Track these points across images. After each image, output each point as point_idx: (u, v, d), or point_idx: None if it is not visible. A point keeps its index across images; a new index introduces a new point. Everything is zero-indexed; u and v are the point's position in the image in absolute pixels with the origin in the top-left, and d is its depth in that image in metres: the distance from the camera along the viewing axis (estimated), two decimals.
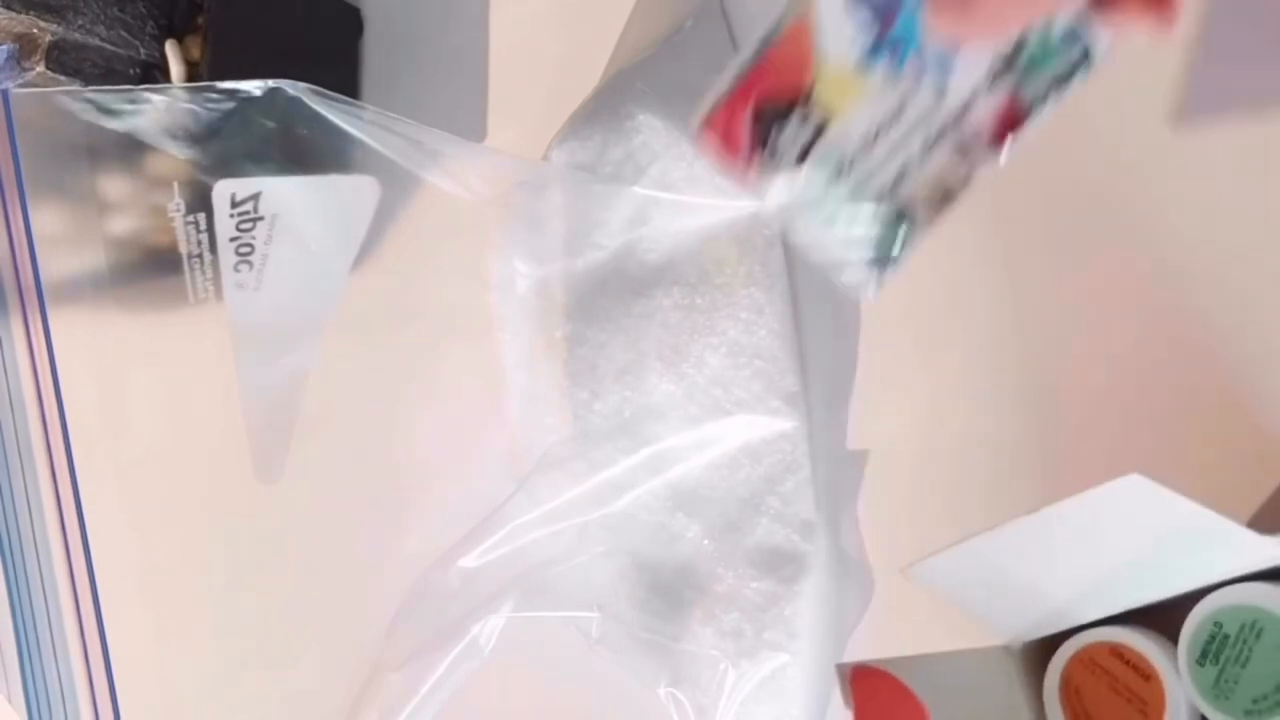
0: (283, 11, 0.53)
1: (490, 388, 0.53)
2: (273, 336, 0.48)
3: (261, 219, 0.45)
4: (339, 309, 0.49)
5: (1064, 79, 0.32)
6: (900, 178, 0.33)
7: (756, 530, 0.49)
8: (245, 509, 0.50)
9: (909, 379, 0.49)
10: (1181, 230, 0.44)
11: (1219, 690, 0.37)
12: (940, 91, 0.32)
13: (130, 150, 0.44)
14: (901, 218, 0.33)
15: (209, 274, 0.46)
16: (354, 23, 0.58)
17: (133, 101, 0.43)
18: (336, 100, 0.44)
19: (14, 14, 0.47)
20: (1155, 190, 0.44)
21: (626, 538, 0.51)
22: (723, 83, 0.33)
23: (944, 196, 0.33)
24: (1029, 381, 0.47)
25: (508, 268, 0.53)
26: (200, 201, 0.45)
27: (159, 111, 0.44)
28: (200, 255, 0.45)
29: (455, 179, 0.50)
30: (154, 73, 0.49)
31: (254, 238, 0.45)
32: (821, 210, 0.33)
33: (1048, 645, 0.41)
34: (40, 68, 0.48)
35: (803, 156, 0.33)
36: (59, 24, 0.47)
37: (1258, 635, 0.36)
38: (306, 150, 0.45)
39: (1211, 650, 0.37)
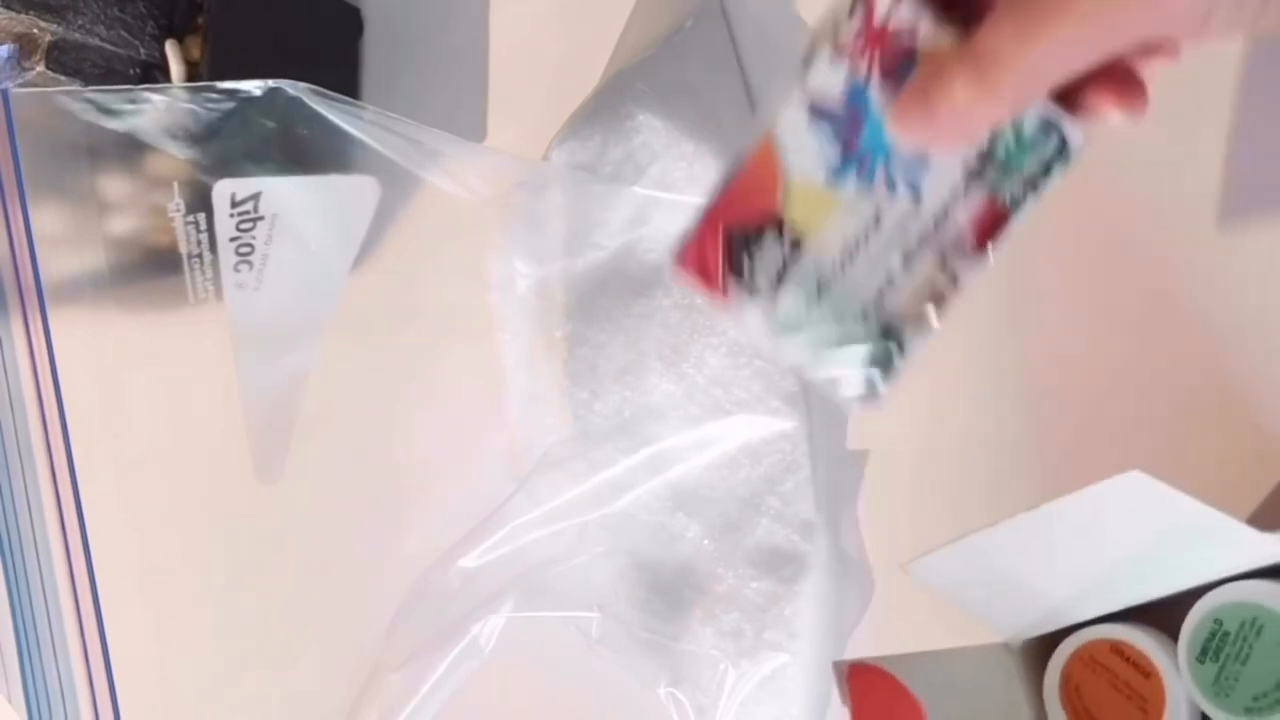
0: (283, 11, 0.53)
1: (490, 388, 0.53)
2: (273, 336, 0.48)
3: (261, 219, 0.45)
4: (339, 309, 0.49)
5: (1043, 173, 0.32)
6: (884, 291, 0.32)
7: (756, 530, 0.49)
8: (245, 509, 0.50)
9: (909, 379, 0.49)
10: (1181, 230, 0.44)
11: (1219, 687, 0.37)
12: (915, 201, 0.32)
13: (130, 150, 0.44)
14: (890, 331, 0.32)
15: (209, 274, 0.46)
16: (354, 23, 0.58)
17: (133, 101, 0.43)
18: (336, 100, 0.44)
19: (14, 14, 0.47)
20: (1155, 190, 0.44)
21: (626, 538, 0.51)
22: (694, 215, 0.33)
23: (935, 301, 0.32)
24: (1029, 381, 0.47)
25: (508, 268, 0.53)
26: (200, 201, 0.45)
27: (159, 111, 0.44)
28: (200, 255, 0.45)
29: (455, 179, 0.50)
30: (154, 73, 0.49)
31: (254, 238, 0.45)
32: (805, 333, 0.32)
33: (1048, 643, 0.41)
34: (40, 68, 0.48)
35: (780, 279, 0.32)
36: (59, 24, 0.47)
37: (1258, 632, 0.36)
38: (306, 150, 0.45)
39: (1212, 647, 0.37)
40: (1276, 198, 0.43)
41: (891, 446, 0.49)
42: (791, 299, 0.32)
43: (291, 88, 0.43)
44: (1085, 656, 0.40)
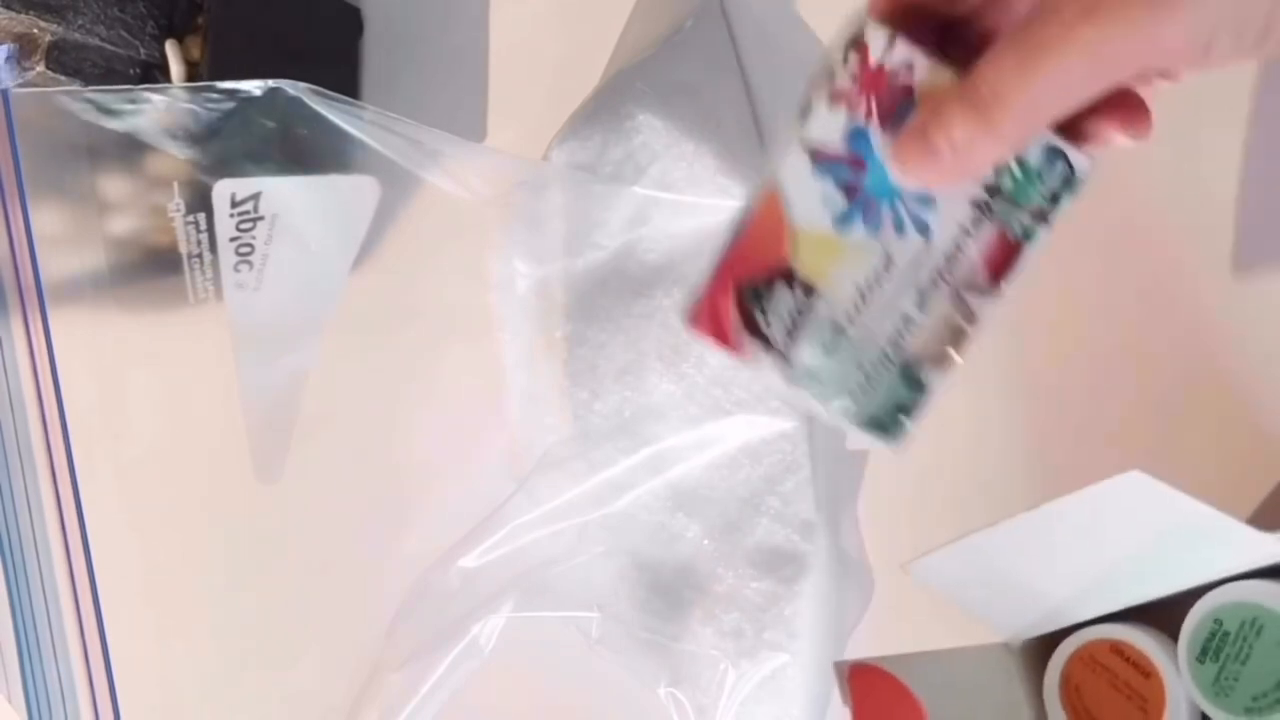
0: (283, 11, 0.53)
1: (490, 388, 0.53)
2: (273, 336, 0.48)
3: (261, 219, 0.45)
4: (339, 309, 0.49)
5: (1051, 203, 0.31)
6: (901, 333, 0.32)
7: (756, 530, 0.49)
8: (245, 509, 0.50)
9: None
10: (1181, 231, 0.44)
11: (1219, 687, 0.37)
12: (925, 240, 0.32)
13: (130, 150, 0.44)
14: (911, 372, 0.32)
15: (209, 274, 0.46)
16: (354, 23, 0.58)
17: (133, 101, 0.43)
18: (336, 100, 0.44)
19: (14, 14, 0.47)
20: (1156, 193, 0.44)
21: (626, 538, 0.51)
22: (703, 273, 0.32)
23: (954, 339, 0.32)
24: (1029, 381, 0.47)
25: (508, 268, 0.53)
26: (200, 201, 0.45)
27: (159, 111, 0.44)
28: (200, 255, 0.45)
29: (455, 179, 0.50)
30: (154, 73, 0.49)
31: (254, 238, 0.45)
32: (825, 380, 0.32)
33: (1048, 643, 0.42)
34: (40, 68, 0.48)
35: (795, 329, 0.32)
36: (59, 24, 0.47)
37: (1258, 632, 0.36)
38: (306, 150, 0.45)
39: (1212, 647, 0.37)
40: (1278, 198, 0.43)
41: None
42: (808, 348, 0.32)
43: (291, 88, 0.44)
44: (1085, 656, 0.40)
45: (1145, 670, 0.39)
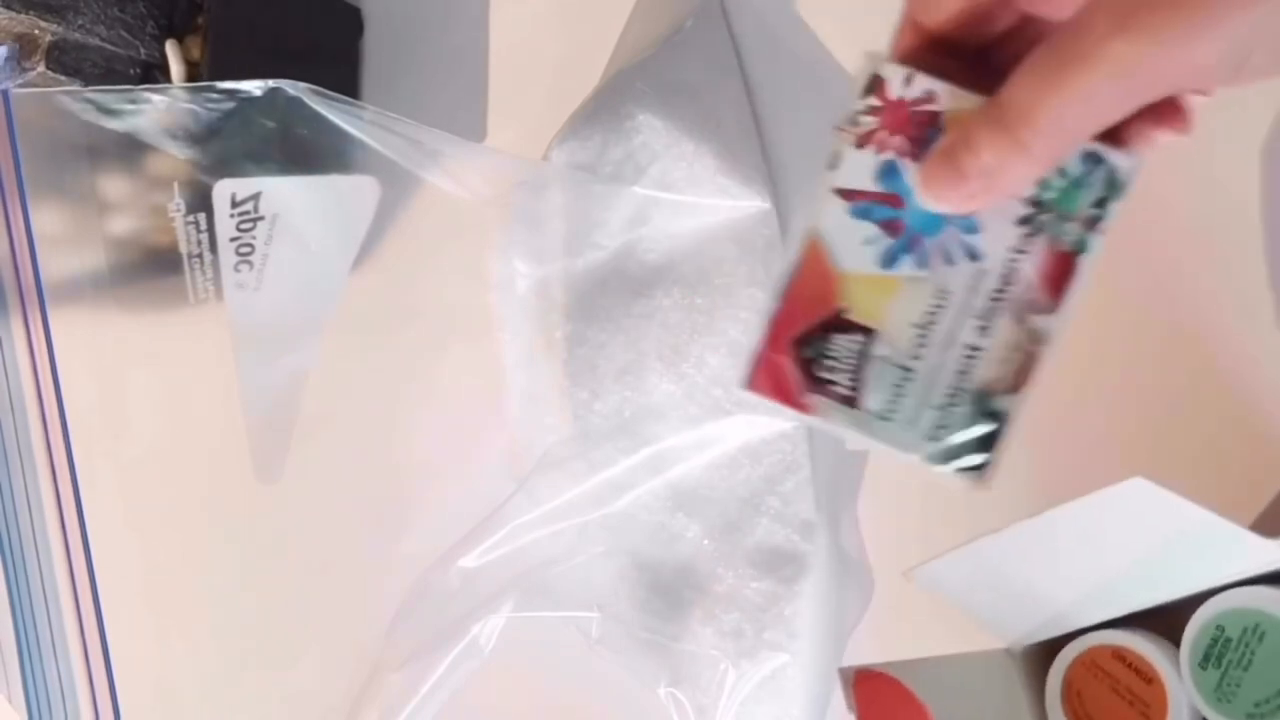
0: (283, 11, 0.53)
1: (490, 388, 0.53)
2: (273, 336, 0.48)
3: (261, 219, 0.45)
4: (339, 309, 0.49)
5: (1099, 208, 0.30)
6: (968, 364, 0.31)
7: (756, 530, 0.49)
8: (245, 509, 0.50)
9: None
10: (1186, 236, 0.44)
11: (1221, 694, 0.37)
12: (977, 266, 0.31)
13: (130, 150, 0.44)
14: (984, 403, 0.31)
15: (209, 274, 0.46)
16: (354, 23, 0.58)
17: (133, 101, 0.43)
18: (336, 100, 0.44)
19: (14, 14, 0.47)
20: (1156, 196, 0.44)
21: (626, 538, 0.51)
22: (756, 333, 0.32)
23: (1024, 362, 0.31)
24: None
25: (508, 268, 0.53)
26: (200, 201, 0.45)
27: (159, 111, 0.44)
28: (200, 255, 0.45)
29: (455, 179, 0.50)
30: (154, 73, 0.49)
31: (254, 238, 0.45)
32: (897, 424, 0.31)
33: (1050, 648, 0.41)
34: (40, 68, 0.48)
35: (858, 377, 0.31)
36: (59, 24, 0.47)
37: (1260, 639, 0.36)
38: (306, 150, 0.45)
39: (1214, 654, 0.37)
40: None
41: None
42: (875, 392, 0.31)
43: (291, 88, 0.43)
44: (1087, 662, 0.40)
45: (1147, 676, 0.39)
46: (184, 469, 0.48)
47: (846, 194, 0.31)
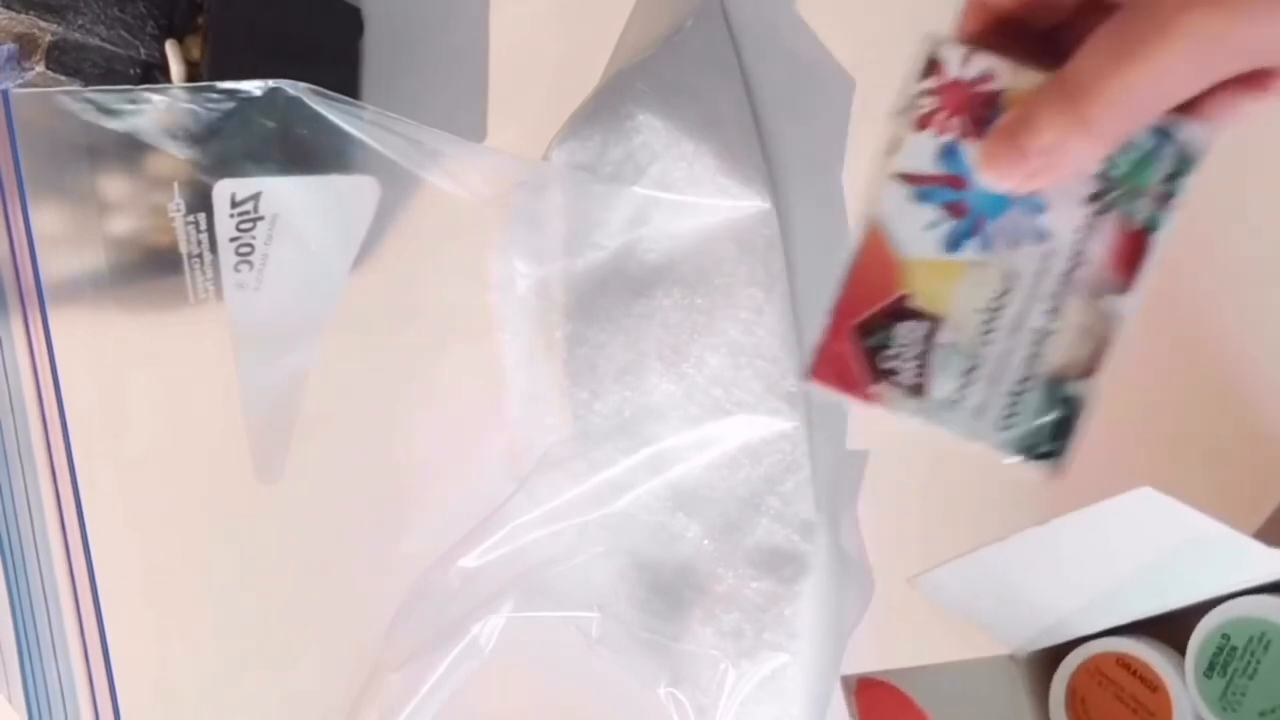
0: (283, 11, 0.53)
1: (490, 388, 0.53)
2: (273, 336, 0.48)
3: (261, 219, 0.45)
4: (339, 309, 0.49)
5: (1170, 183, 0.29)
6: (1038, 348, 0.30)
7: (756, 530, 0.49)
8: (245, 509, 0.50)
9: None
10: (1191, 242, 0.44)
11: (1226, 702, 0.37)
12: (1043, 248, 0.30)
13: (130, 150, 0.44)
14: (1056, 388, 0.30)
15: (209, 274, 0.46)
16: (354, 23, 0.58)
17: (133, 101, 0.43)
18: (336, 100, 0.44)
19: (14, 14, 0.47)
20: None
21: (626, 538, 0.51)
22: (819, 327, 0.31)
23: (1096, 345, 0.30)
24: None
25: (508, 268, 0.53)
26: (200, 201, 0.45)
27: (159, 111, 0.44)
28: (200, 255, 0.45)
29: (455, 179, 0.50)
30: (154, 73, 0.49)
31: (254, 238, 0.45)
32: (966, 410, 0.30)
33: (1054, 655, 0.41)
34: (40, 68, 0.48)
35: (924, 364, 0.30)
36: (59, 24, 0.47)
37: (1266, 647, 0.36)
38: (306, 150, 0.45)
39: (1219, 662, 0.37)
40: None
41: (892, 447, 0.49)
42: (942, 379, 0.30)
43: (291, 88, 0.43)
44: (1091, 669, 0.40)
45: (1152, 684, 0.38)
46: (184, 469, 0.48)
47: (908, 178, 0.30)
